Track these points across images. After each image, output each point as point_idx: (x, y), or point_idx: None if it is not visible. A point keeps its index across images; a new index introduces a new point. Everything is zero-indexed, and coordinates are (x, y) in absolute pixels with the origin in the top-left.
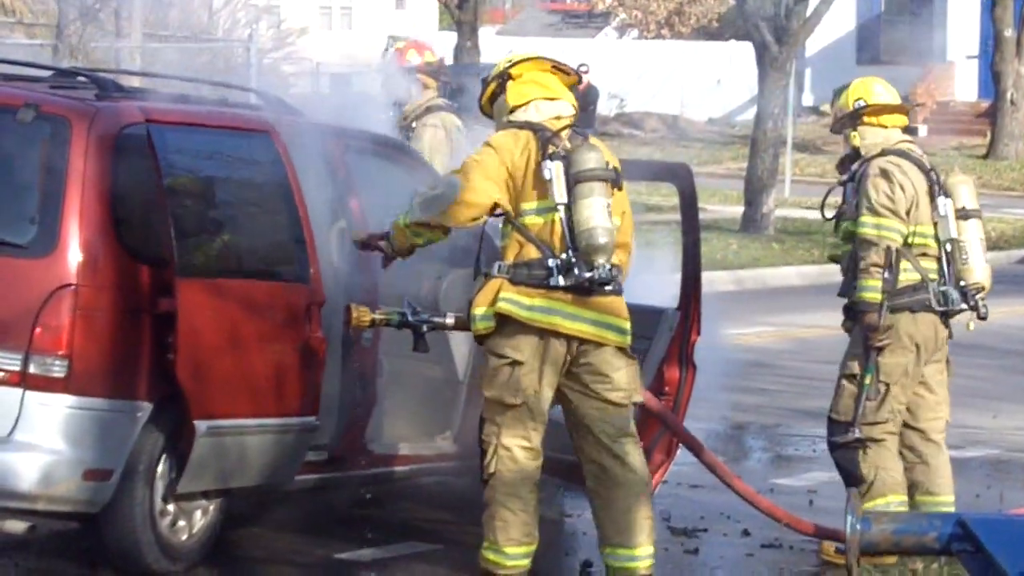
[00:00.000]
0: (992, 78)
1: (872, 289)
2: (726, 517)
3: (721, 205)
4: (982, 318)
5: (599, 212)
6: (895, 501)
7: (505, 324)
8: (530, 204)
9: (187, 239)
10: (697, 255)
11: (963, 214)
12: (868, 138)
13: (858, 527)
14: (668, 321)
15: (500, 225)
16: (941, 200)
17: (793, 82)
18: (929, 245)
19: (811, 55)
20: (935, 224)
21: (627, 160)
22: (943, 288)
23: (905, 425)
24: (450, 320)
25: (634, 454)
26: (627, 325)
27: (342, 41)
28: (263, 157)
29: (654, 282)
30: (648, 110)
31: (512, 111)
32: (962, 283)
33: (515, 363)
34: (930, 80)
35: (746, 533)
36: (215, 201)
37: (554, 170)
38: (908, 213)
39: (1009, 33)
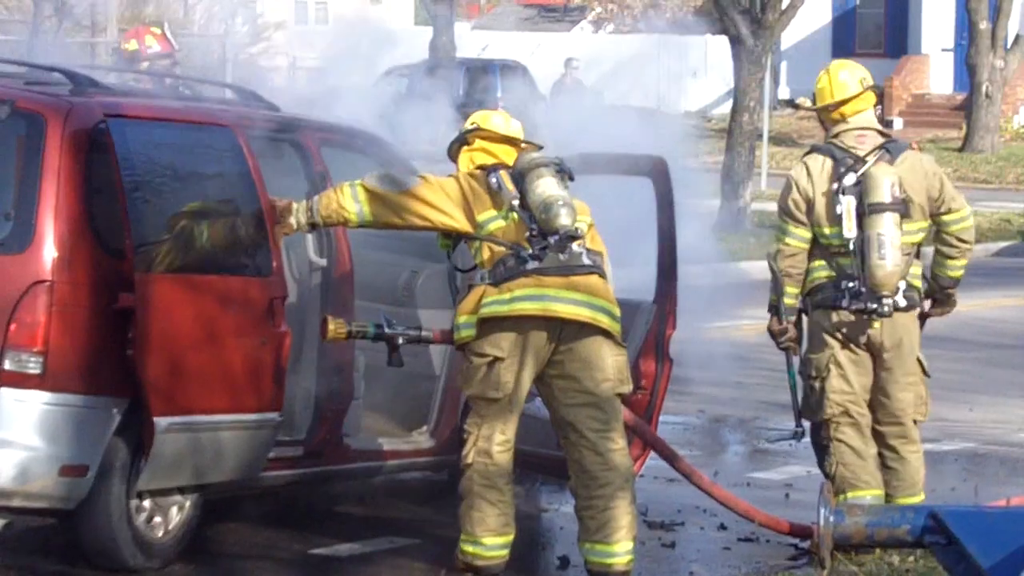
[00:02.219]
0: (967, 71)
1: (771, 291)
2: (703, 511)
3: (697, 199)
4: (882, 316)
5: (550, 187)
6: (853, 497)
7: (484, 324)
8: (488, 213)
9: (148, 233)
10: (673, 249)
11: (871, 208)
12: (828, 131)
13: (831, 519)
14: (644, 315)
15: (467, 246)
16: (840, 198)
17: (769, 75)
18: (833, 244)
19: (787, 48)
20: (839, 223)
21: (602, 154)
22: (851, 285)
23: None
24: (426, 333)
25: (618, 450)
26: (618, 311)
27: (318, 36)
28: (225, 151)
29: (630, 276)
30: (624, 103)
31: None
32: (853, 283)
33: (495, 360)
34: (905, 73)
35: (723, 527)
36: (179, 195)
37: (499, 177)
38: (808, 215)
39: (984, 26)
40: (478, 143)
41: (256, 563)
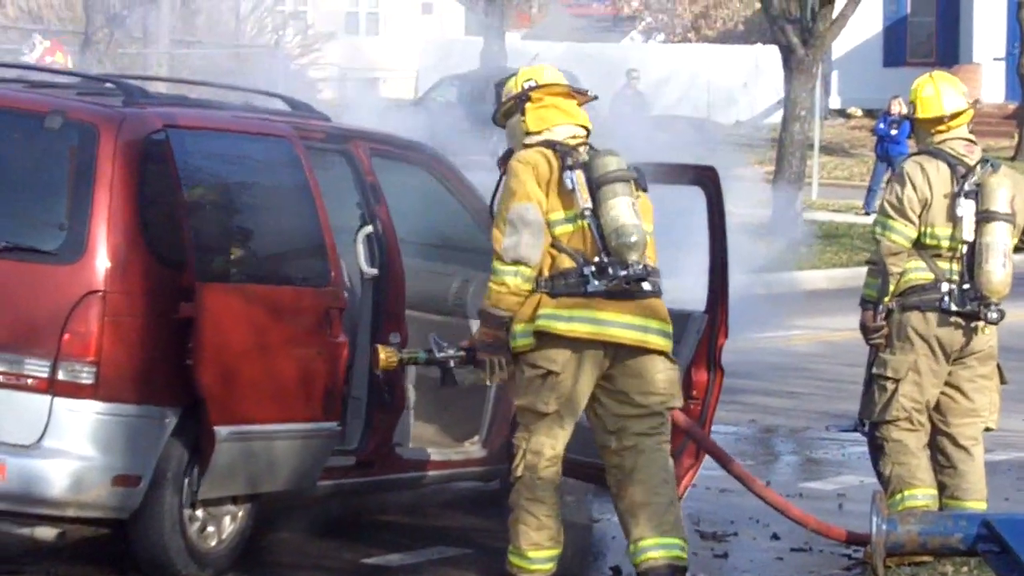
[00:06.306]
0: (1019, 80)
1: (870, 287)
2: (755, 521)
3: (748, 208)
4: (990, 323)
5: (626, 211)
6: (909, 495)
7: (541, 337)
8: (558, 215)
9: (207, 244)
10: (724, 258)
11: (987, 216)
12: (918, 139)
13: (884, 528)
14: (696, 324)
15: None
16: (962, 201)
17: (820, 84)
18: (941, 246)
19: (837, 57)
20: (954, 225)
21: (654, 163)
22: (952, 287)
23: (937, 428)
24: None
25: (661, 452)
26: (670, 328)
27: (369, 47)
28: (283, 162)
29: (681, 285)
30: (675, 113)
31: (529, 134)
32: (965, 286)
33: (549, 373)
34: None
35: (775, 537)
36: (236, 206)
37: (575, 178)
38: (920, 215)
39: None
40: (547, 99)
41: (308, 572)
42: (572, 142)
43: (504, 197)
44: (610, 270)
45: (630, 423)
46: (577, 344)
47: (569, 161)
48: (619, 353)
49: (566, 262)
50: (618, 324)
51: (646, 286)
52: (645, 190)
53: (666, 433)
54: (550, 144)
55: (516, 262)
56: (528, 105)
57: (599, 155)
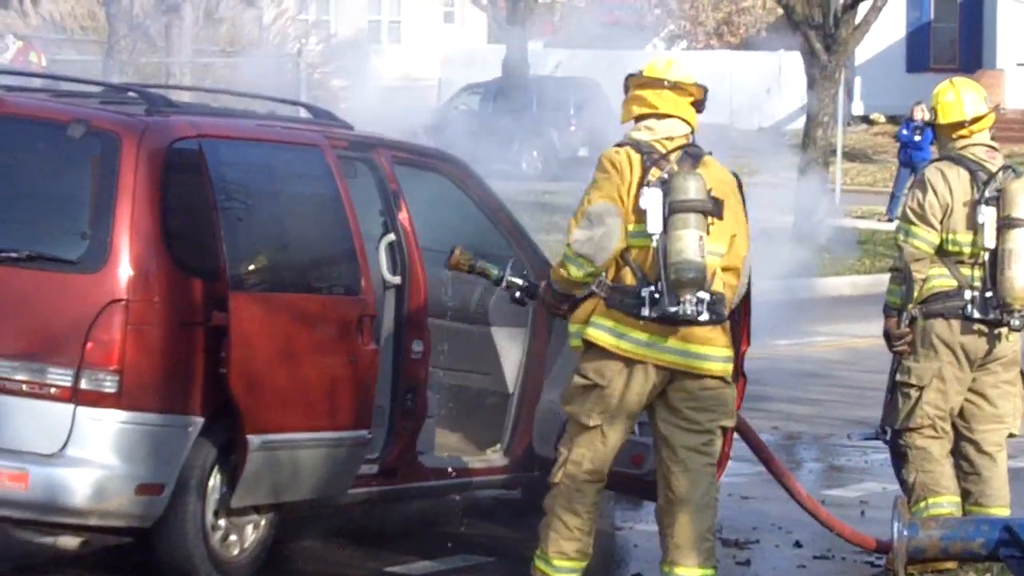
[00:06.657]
0: None
1: (893, 293)
2: (778, 528)
3: (771, 214)
4: (1014, 330)
5: (691, 246)
6: (934, 503)
7: (592, 346)
8: (631, 226)
9: (238, 253)
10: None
11: (1008, 223)
12: (940, 145)
13: (905, 533)
14: None
15: None
16: (983, 208)
17: (842, 90)
18: (964, 252)
19: (860, 63)
20: (975, 232)
21: None
22: (975, 294)
23: (961, 435)
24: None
25: (704, 473)
26: (725, 352)
27: (391, 55)
28: (314, 171)
29: None
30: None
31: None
32: (987, 293)
33: (595, 386)
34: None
35: (798, 544)
36: (266, 215)
37: (651, 199)
38: (942, 221)
39: None
40: (632, 92)
41: None
42: (668, 144)
43: (589, 187)
44: (664, 303)
45: (681, 436)
46: (627, 360)
47: (651, 176)
48: (675, 373)
49: (628, 277)
50: (668, 349)
51: (702, 318)
52: (720, 218)
53: (715, 454)
54: (638, 148)
55: (581, 256)
56: (624, 99)
57: (681, 176)
